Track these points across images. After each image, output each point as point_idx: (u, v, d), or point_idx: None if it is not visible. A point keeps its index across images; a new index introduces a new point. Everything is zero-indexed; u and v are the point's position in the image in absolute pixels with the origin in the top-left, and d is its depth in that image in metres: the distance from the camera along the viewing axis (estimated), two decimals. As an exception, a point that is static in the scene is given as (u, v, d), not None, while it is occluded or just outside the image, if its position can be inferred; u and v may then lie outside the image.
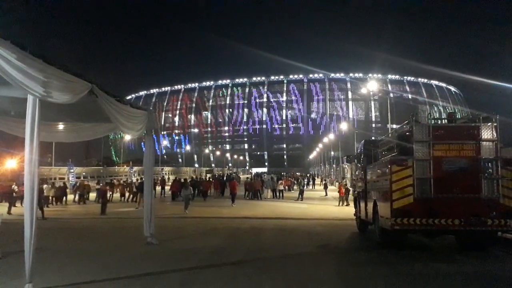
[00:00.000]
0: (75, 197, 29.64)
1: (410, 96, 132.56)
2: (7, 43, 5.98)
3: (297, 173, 72.13)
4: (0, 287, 7.66)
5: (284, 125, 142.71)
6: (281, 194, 32.52)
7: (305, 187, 33.51)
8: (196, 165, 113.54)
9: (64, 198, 27.92)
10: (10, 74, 6.11)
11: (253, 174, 65.78)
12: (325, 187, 36.43)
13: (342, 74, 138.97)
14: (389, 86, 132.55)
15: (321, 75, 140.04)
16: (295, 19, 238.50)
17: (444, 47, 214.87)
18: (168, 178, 45.57)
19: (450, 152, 10.86)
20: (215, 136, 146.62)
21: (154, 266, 9.38)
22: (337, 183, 38.15)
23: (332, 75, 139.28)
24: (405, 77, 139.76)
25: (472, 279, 8.69)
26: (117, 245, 12.54)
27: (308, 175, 69.04)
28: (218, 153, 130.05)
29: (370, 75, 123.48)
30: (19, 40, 6.23)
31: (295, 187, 38.29)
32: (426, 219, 10.50)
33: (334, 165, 70.00)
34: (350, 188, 26.50)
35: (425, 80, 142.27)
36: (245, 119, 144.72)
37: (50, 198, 25.24)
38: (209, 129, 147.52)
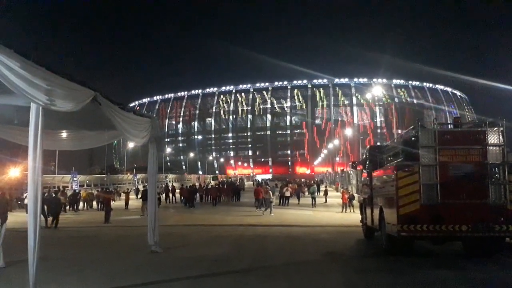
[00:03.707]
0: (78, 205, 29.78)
1: (415, 101, 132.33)
2: (10, 51, 5.97)
3: (302, 180, 71.85)
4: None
5: (289, 131, 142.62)
6: (286, 201, 32.33)
7: (316, 193, 33.15)
8: (200, 172, 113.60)
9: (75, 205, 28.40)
10: (13, 83, 6.10)
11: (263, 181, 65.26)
12: (325, 193, 36.15)
13: (346, 79, 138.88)
14: (394, 91, 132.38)
15: (325, 80, 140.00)
16: (299, 24, 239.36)
17: (449, 51, 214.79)
18: (172, 185, 45.69)
19: (457, 157, 10.75)
20: (219, 143, 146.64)
21: (158, 274, 9.30)
22: (341, 189, 37.84)
23: (337, 80, 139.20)
24: (410, 82, 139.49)
25: (479, 286, 8.57)
26: (121, 253, 12.49)
27: (312, 181, 68.71)
28: (222, 159, 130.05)
29: (374, 80, 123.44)
30: (22, 48, 6.22)
31: (306, 193, 38.04)
32: (433, 225, 10.38)
33: (339, 171, 69.74)
34: (355, 195, 26.34)
35: (430, 85, 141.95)
36: (249, 125, 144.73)
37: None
38: (213, 135, 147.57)
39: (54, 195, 24.28)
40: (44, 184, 12.85)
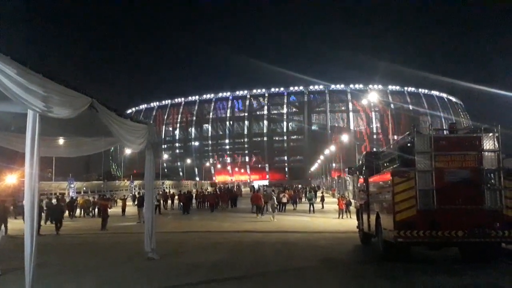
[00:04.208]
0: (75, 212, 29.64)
1: (411, 107, 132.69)
2: (7, 58, 5.99)
3: (299, 185, 71.78)
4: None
5: (285, 137, 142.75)
6: (283, 207, 32.33)
7: (314, 199, 33.21)
8: (197, 178, 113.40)
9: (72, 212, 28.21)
10: (10, 90, 6.11)
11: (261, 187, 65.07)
12: (322, 199, 36.15)
13: (342, 86, 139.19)
14: (390, 97, 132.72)
15: (321, 86, 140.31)
16: (295, 31, 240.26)
17: (445, 57, 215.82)
18: (169, 191, 45.83)
19: (452, 163, 10.79)
20: (216, 149, 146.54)
21: (154, 281, 9.29)
22: (338, 195, 37.87)
23: (333, 86, 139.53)
24: (406, 88, 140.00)
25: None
26: (118, 260, 12.45)
27: (308, 187, 68.64)
28: (219, 166, 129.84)
29: (370, 86, 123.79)
30: (20, 55, 6.24)
31: (303, 199, 38.17)
32: (430, 231, 10.41)
33: (335, 177, 69.77)
34: (352, 201, 26.37)
35: (426, 91, 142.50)
36: (245, 131, 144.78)
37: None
38: (210, 141, 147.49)
39: (56, 201, 24.25)
40: (41, 191, 12.81)
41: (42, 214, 20.06)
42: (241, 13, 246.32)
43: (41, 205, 23.60)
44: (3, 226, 18.59)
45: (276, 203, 27.28)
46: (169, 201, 37.91)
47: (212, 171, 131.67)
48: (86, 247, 15.76)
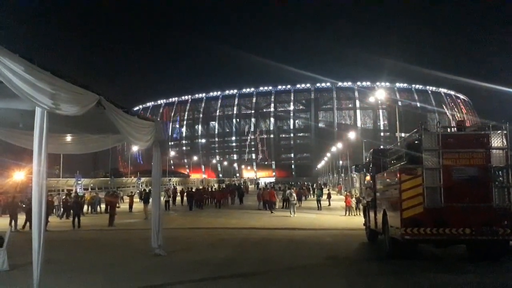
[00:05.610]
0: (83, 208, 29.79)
1: (418, 104, 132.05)
2: (15, 56, 6.03)
3: (305, 183, 71.69)
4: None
5: (292, 135, 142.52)
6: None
7: (321, 196, 33.33)
8: (204, 175, 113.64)
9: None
10: (18, 87, 6.14)
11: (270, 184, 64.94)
12: (329, 196, 36.14)
13: (349, 83, 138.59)
14: (397, 94, 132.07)
15: (328, 84, 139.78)
16: (302, 28, 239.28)
17: (452, 54, 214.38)
18: (176, 188, 45.99)
19: (460, 161, 10.73)
20: (223, 146, 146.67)
21: (161, 278, 9.31)
22: (344, 192, 37.84)
23: (340, 84, 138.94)
24: (413, 85, 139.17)
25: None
26: (125, 256, 12.50)
27: (314, 185, 68.50)
28: (225, 163, 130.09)
29: (378, 83, 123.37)
30: (27, 53, 6.27)
31: (309, 196, 38.21)
32: (437, 229, 10.36)
33: (342, 174, 69.59)
34: (362, 198, 26.34)
35: (434, 88, 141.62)
36: (252, 129, 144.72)
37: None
38: (216, 139, 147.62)
39: (73, 198, 24.52)
40: (48, 188, 12.90)
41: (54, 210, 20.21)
42: (248, 11, 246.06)
43: (53, 202, 23.95)
44: (13, 221, 18.83)
45: (295, 200, 27.44)
46: (178, 198, 38.13)
47: (219, 168, 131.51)
48: (93, 243, 15.85)
